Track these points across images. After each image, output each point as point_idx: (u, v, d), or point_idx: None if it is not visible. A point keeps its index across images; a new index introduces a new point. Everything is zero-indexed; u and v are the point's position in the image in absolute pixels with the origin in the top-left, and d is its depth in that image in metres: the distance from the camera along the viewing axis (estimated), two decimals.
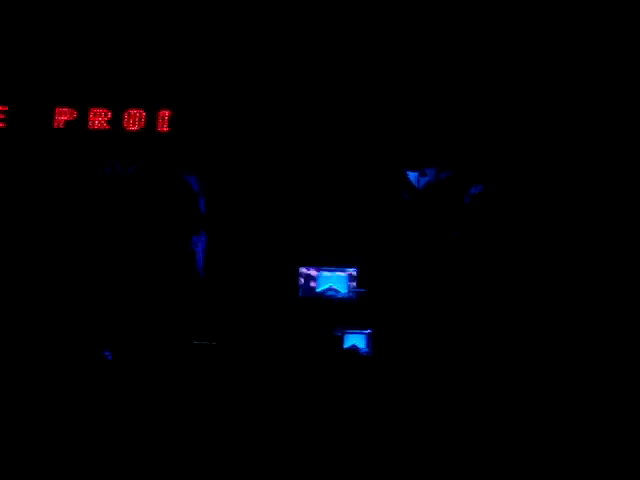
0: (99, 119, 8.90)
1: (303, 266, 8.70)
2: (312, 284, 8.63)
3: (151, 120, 8.96)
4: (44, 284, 8.78)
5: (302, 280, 8.63)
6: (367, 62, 8.98)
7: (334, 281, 8.62)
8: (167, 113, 8.98)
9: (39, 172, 9.07)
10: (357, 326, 8.68)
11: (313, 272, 8.62)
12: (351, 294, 8.68)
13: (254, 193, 9.14)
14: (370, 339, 8.72)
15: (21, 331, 8.33)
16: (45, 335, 8.28)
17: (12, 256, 8.86)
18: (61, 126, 8.90)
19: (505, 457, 6.50)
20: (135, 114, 8.96)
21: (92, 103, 8.90)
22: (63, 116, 8.86)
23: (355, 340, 8.69)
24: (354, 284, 8.69)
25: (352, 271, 8.68)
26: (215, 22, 8.84)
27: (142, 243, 9.25)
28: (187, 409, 7.15)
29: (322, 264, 8.68)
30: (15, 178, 9.02)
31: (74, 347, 8.18)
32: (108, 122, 8.94)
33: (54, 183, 9.09)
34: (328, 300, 8.65)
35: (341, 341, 8.66)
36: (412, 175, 9.26)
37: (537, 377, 7.86)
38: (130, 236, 9.24)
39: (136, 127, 8.95)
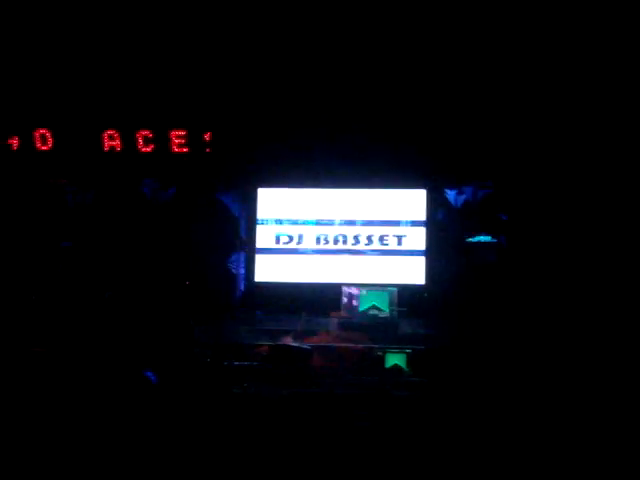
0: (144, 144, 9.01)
1: (346, 285, 8.72)
2: (354, 303, 8.65)
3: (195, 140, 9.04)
4: (88, 304, 8.84)
5: (345, 299, 8.64)
6: (411, 84, 9.02)
7: (376, 300, 8.62)
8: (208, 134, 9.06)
9: (85, 192, 9.21)
10: (398, 345, 8.65)
11: (355, 291, 8.63)
12: (393, 313, 8.67)
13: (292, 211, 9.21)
14: (411, 358, 8.68)
15: (65, 351, 8.38)
16: (90, 355, 8.32)
17: (59, 275, 8.96)
18: (108, 149, 9.01)
19: None
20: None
21: (137, 126, 8.99)
22: (110, 140, 8.96)
23: (396, 359, 8.67)
24: (395, 303, 8.69)
25: (393, 290, 8.68)
26: (252, 50, 8.92)
27: (183, 264, 9.31)
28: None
29: (364, 284, 8.72)
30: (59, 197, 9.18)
31: (118, 367, 8.20)
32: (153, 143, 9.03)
33: (101, 203, 9.22)
34: (370, 319, 8.65)
35: (382, 360, 8.64)
36: (450, 193, 9.29)
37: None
38: (173, 258, 9.31)
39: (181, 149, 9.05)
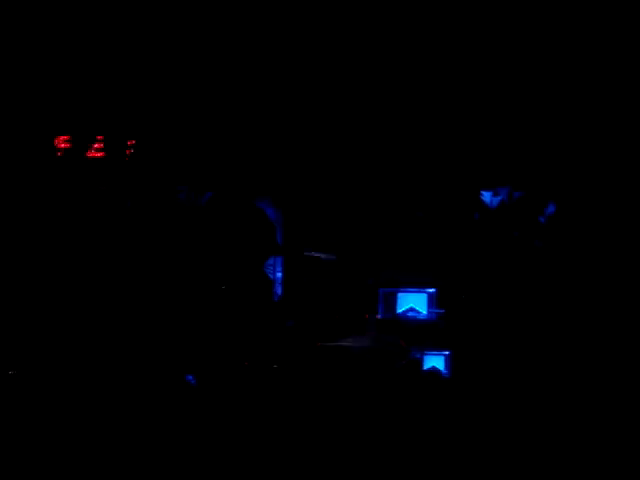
0: None
1: (383, 287, 8.72)
2: (393, 305, 8.65)
3: None
4: (129, 311, 8.93)
5: (382, 301, 8.64)
6: (445, 88, 9.05)
7: (414, 302, 8.61)
8: None
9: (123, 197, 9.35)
10: (436, 347, 8.64)
11: (393, 293, 8.64)
12: (431, 315, 8.65)
13: (331, 217, 9.23)
14: (449, 360, 8.67)
15: (108, 356, 8.47)
16: (132, 359, 8.40)
17: (103, 282, 9.06)
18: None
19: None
20: None
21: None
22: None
23: (435, 362, 8.65)
24: (434, 304, 8.67)
25: (432, 291, 8.66)
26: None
27: (221, 270, 9.36)
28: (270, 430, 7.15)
29: (402, 285, 8.70)
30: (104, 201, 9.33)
31: (161, 371, 8.27)
32: None
33: (139, 208, 9.34)
34: (408, 321, 8.64)
35: (421, 363, 8.63)
36: (486, 195, 9.27)
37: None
38: (206, 263, 9.36)
39: None
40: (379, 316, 8.69)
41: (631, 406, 7.33)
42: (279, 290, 9.41)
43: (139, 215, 9.34)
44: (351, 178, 9.27)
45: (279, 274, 9.45)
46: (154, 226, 9.40)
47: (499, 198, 9.28)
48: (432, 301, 8.66)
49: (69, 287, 9.01)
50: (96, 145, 9.19)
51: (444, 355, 8.68)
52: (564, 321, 8.61)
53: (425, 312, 8.62)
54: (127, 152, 9.27)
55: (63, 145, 9.22)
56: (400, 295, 8.60)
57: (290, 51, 8.93)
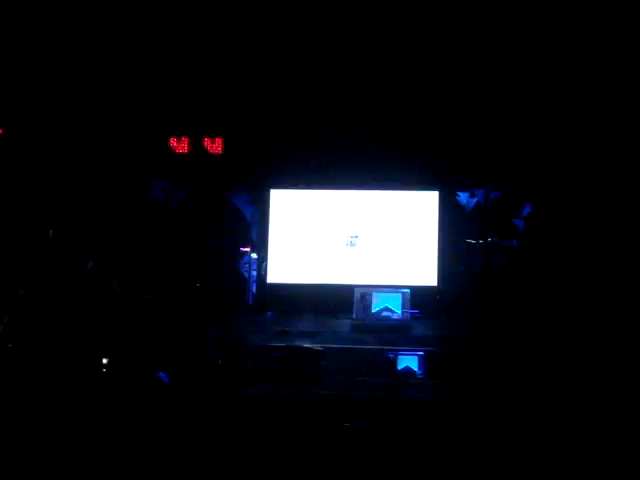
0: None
1: (358, 287, 8.69)
2: (367, 305, 8.61)
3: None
4: (97, 305, 8.83)
5: (357, 301, 8.61)
6: (419, 86, 9.04)
7: (389, 302, 8.59)
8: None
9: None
10: (410, 347, 8.61)
11: (367, 292, 8.60)
12: (405, 315, 8.64)
13: (308, 218, 9.22)
14: (423, 361, 8.63)
15: (73, 351, 8.36)
16: (103, 356, 8.31)
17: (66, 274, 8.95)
18: None
19: None
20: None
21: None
22: None
23: (409, 362, 8.62)
24: (408, 305, 8.66)
25: (406, 291, 8.65)
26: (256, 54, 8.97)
27: (192, 266, 9.29)
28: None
29: (377, 285, 8.70)
30: None
31: (131, 368, 8.18)
32: None
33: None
34: (383, 320, 8.61)
35: (394, 363, 8.59)
36: (462, 196, 9.28)
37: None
38: (181, 259, 9.29)
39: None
40: (354, 315, 8.65)
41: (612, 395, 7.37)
42: (254, 288, 9.37)
43: (111, 211, 9.26)
44: (329, 178, 9.26)
45: (254, 272, 9.41)
46: (127, 223, 9.33)
47: (475, 199, 9.29)
48: (406, 301, 8.63)
49: (33, 283, 8.93)
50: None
51: (418, 355, 8.63)
52: (541, 322, 8.61)
53: (399, 312, 8.59)
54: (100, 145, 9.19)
55: None
56: (375, 295, 8.56)
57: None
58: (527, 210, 9.19)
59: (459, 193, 9.30)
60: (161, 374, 8.27)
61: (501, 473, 6.56)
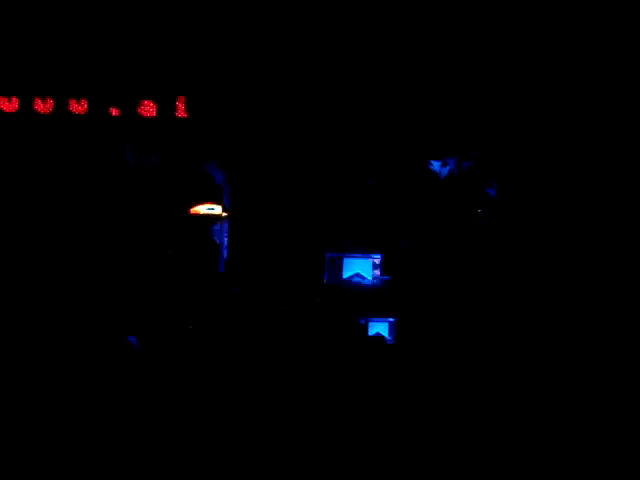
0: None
1: (329, 252, 8.67)
2: (338, 270, 8.61)
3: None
4: (71, 273, 8.78)
5: (329, 266, 8.60)
6: (393, 56, 8.99)
7: (360, 267, 8.59)
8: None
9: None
10: (381, 314, 8.65)
11: (339, 258, 8.60)
12: (376, 281, 8.65)
13: (279, 181, 9.14)
14: (394, 327, 8.69)
15: (48, 318, 8.32)
16: (74, 323, 8.27)
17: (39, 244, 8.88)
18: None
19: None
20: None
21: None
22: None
23: (379, 328, 8.67)
24: (379, 271, 8.66)
25: (377, 258, 8.65)
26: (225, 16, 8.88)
27: (165, 233, 9.24)
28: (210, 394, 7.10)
29: (348, 250, 8.67)
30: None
31: (101, 333, 8.15)
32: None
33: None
34: (354, 287, 8.62)
35: (365, 329, 8.64)
36: (435, 164, 9.28)
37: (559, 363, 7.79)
38: (152, 226, 9.23)
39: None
40: (325, 281, 8.66)
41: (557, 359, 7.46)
42: (225, 254, 9.33)
43: (85, 175, 9.17)
44: (302, 142, 9.20)
45: (225, 239, 9.37)
46: (100, 188, 9.24)
47: (447, 168, 9.30)
48: (377, 267, 8.64)
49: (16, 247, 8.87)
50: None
51: (389, 322, 8.68)
52: (507, 290, 8.69)
53: (370, 278, 8.60)
54: (77, 110, 9.08)
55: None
56: (346, 260, 8.55)
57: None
58: (494, 182, 9.23)
59: (432, 162, 9.29)
60: (131, 338, 8.26)
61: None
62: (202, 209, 9.22)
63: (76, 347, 7.95)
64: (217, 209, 9.23)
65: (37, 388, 6.96)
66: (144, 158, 9.36)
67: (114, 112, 9.05)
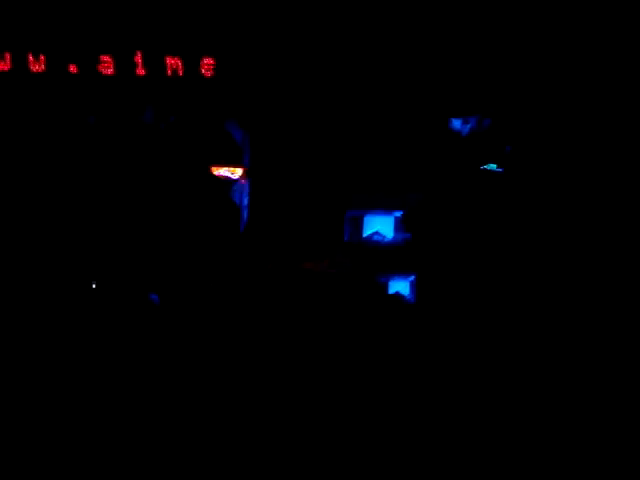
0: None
1: (350, 211, 8.65)
2: (358, 229, 8.59)
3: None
4: (93, 231, 8.83)
5: (349, 225, 8.58)
6: (416, 14, 8.91)
7: (380, 225, 8.57)
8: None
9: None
10: (402, 272, 8.63)
11: (360, 216, 8.57)
12: (397, 239, 8.63)
13: (300, 141, 9.12)
14: (414, 286, 8.67)
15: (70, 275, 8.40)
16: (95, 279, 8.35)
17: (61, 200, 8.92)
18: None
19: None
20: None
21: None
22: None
23: (400, 287, 8.66)
24: (400, 229, 8.64)
25: (398, 215, 8.62)
26: None
27: (185, 194, 9.25)
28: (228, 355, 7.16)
29: (369, 207, 8.63)
30: None
31: (122, 290, 8.22)
32: None
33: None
34: (374, 245, 8.61)
35: (385, 288, 8.63)
36: (456, 122, 9.22)
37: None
38: (172, 186, 9.24)
39: None
40: (345, 239, 8.64)
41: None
42: (245, 215, 9.33)
43: (101, 134, 9.17)
44: (324, 101, 9.15)
45: (245, 200, 9.36)
46: (117, 147, 9.25)
47: (469, 125, 9.24)
48: (399, 225, 8.61)
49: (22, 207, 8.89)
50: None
51: (409, 281, 8.67)
52: (530, 250, 8.64)
53: (391, 236, 8.58)
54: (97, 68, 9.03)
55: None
56: (366, 218, 8.53)
57: None
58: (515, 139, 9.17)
59: (452, 119, 9.23)
60: (153, 296, 8.33)
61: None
62: (222, 170, 9.20)
63: (100, 303, 8.06)
64: (238, 170, 9.22)
65: (56, 345, 7.07)
66: (163, 118, 9.35)
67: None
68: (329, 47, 8.99)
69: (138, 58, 8.86)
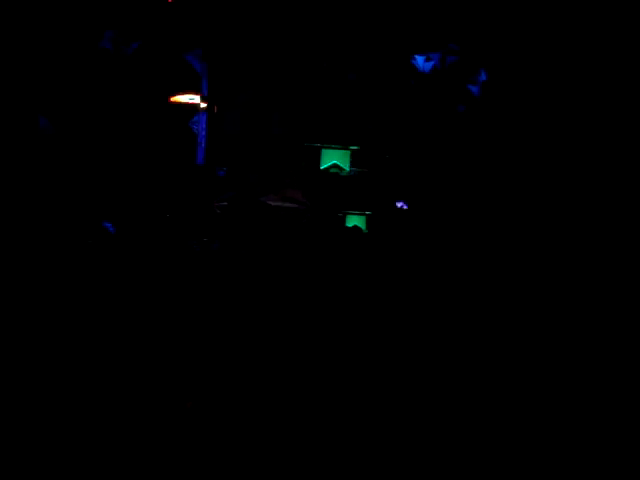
0: None
1: (308, 143, 8.63)
2: (316, 161, 8.59)
3: None
4: (50, 160, 8.73)
5: (306, 157, 8.57)
6: None
7: (338, 158, 8.57)
8: None
9: None
10: (358, 207, 8.67)
11: (317, 148, 8.56)
12: (352, 172, 8.64)
13: (259, 71, 9.02)
14: (369, 220, 8.72)
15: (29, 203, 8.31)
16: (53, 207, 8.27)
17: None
18: None
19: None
20: None
21: None
22: None
23: (356, 221, 8.71)
24: (356, 163, 8.65)
25: (355, 148, 8.62)
26: None
27: (144, 122, 9.15)
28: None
29: (327, 141, 8.61)
30: None
31: (79, 218, 8.17)
32: None
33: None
34: (331, 177, 8.62)
35: (343, 221, 8.68)
36: (419, 59, 9.16)
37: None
38: (132, 114, 9.14)
39: None
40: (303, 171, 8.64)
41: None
42: (203, 144, 9.27)
43: (60, 59, 9.01)
44: (284, 34, 9.05)
45: (204, 130, 9.30)
46: (77, 74, 9.10)
47: (431, 63, 9.18)
48: (356, 159, 8.62)
49: None
50: None
51: (365, 215, 8.72)
52: (484, 189, 8.67)
53: (348, 169, 8.60)
54: None
55: None
56: (324, 151, 8.53)
57: None
58: (483, 77, 9.11)
59: (415, 56, 9.16)
60: (107, 224, 8.29)
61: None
62: (183, 97, 9.13)
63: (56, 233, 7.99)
64: (196, 99, 9.14)
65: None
66: (123, 45, 9.20)
67: None
68: None
69: None
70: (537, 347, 6.20)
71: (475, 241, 8.06)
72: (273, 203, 8.40)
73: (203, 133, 9.24)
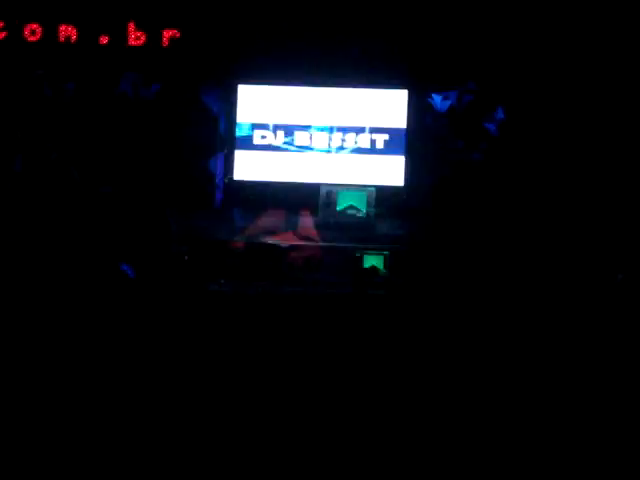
0: None
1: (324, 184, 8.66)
2: (332, 203, 8.59)
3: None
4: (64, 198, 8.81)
5: (322, 199, 8.58)
6: None
7: (354, 200, 8.58)
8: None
9: None
10: (376, 246, 8.63)
11: (333, 190, 8.57)
12: (371, 213, 8.64)
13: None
14: (389, 260, 8.67)
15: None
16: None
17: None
18: None
19: None
20: None
21: None
22: None
23: (374, 260, 8.66)
24: (373, 203, 8.64)
25: (371, 190, 8.63)
26: None
27: (160, 165, 9.23)
28: None
29: (343, 184, 8.64)
30: None
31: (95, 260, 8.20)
32: None
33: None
34: (347, 218, 8.61)
35: (360, 261, 8.63)
36: (436, 98, 9.17)
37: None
38: (148, 158, 9.23)
39: None
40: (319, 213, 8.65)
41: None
42: (221, 185, 9.31)
43: (80, 102, 9.14)
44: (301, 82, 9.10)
45: (221, 170, 9.36)
46: (96, 115, 9.21)
47: (449, 102, 9.20)
48: (372, 200, 8.63)
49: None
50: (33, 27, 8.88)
51: (383, 254, 8.67)
52: (508, 225, 8.62)
53: (365, 210, 8.59)
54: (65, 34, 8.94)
55: None
56: (340, 193, 8.55)
57: None
58: (500, 113, 9.11)
59: (433, 95, 9.18)
60: (126, 267, 8.30)
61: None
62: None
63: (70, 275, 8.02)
64: None
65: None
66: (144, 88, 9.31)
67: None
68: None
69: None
70: (546, 350, 6.22)
71: (501, 282, 8.01)
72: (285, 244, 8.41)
73: (220, 173, 9.31)
